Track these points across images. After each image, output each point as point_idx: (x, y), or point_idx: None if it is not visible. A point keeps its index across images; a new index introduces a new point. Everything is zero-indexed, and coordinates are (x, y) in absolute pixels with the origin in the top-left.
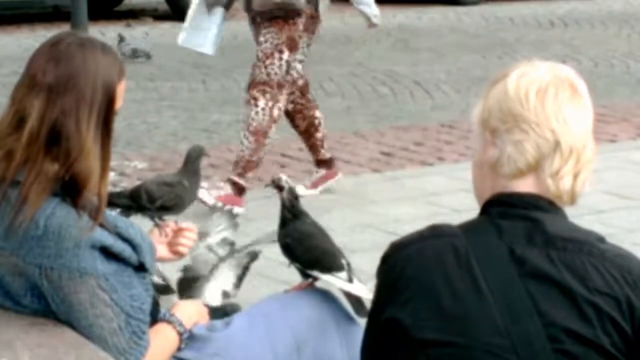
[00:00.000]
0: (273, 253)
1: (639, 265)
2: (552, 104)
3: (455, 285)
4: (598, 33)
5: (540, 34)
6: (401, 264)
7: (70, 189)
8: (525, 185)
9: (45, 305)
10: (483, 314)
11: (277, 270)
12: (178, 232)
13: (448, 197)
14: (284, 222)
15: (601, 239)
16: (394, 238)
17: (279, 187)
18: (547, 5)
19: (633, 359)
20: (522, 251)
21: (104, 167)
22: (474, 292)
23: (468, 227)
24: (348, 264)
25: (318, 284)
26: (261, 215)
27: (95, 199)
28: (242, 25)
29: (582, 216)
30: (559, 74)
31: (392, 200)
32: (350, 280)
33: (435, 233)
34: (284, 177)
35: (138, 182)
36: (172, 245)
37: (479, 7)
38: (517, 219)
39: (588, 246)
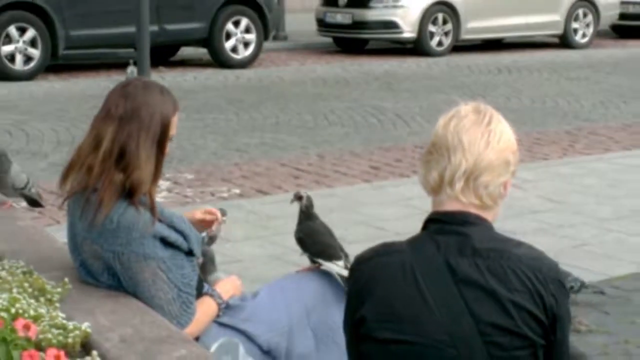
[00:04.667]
0: (289, 243)
1: (548, 265)
2: (451, 131)
3: (404, 294)
4: (534, 78)
5: (491, 78)
6: (363, 277)
7: (129, 193)
8: (455, 204)
9: (117, 282)
10: (428, 316)
11: (291, 256)
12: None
13: (420, 201)
14: (300, 221)
15: (519, 245)
16: (381, 232)
17: (299, 197)
18: (495, 56)
19: (547, 340)
20: (455, 262)
21: (156, 177)
22: (420, 299)
23: (412, 243)
24: (346, 255)
25: (321, 268)
26: (284, 215)
27: (147, 199)
28: (267, 71)
29: (523, 215)
30: (474, 108)
31: (379, 203)
32: (346, 267)
33: (387, 250)
34: (303, 191)
35: (188, 190)
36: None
37: (444, 57)
38: (450, 234)
39: (507, 253)
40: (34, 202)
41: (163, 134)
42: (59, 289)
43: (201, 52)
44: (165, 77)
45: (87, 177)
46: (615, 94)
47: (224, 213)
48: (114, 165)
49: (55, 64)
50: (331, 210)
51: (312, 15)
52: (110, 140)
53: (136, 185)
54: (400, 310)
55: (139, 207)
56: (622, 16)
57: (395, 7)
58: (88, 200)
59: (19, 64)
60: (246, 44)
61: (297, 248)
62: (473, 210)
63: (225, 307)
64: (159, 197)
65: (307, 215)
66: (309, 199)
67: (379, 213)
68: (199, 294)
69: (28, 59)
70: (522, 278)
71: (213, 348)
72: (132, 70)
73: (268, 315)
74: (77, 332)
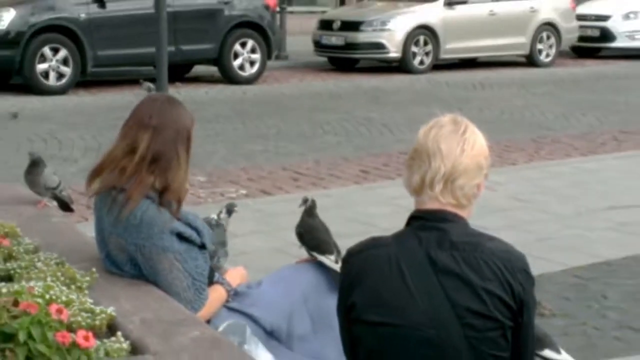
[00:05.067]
0: (289, 237)
1: (516, 257)
2: (431, 139)
3: (390, 283)
4: (504, 92)
5: (466, 93)
6: (354, 268)
7: (161, 194)
8: (434, 204)
9: (139, 271)
10: (411, 302)
11: (291, 249)
12: None
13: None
14: (302, 219)
15: (491, 239)
16: (370, 228)
17: (306, 201)
18: (470, 74)
19: (515, 322)
20: (434, 254)
21: (186, 180)
22: (404, 287)
23: (397, 237)
24: (338, 251)
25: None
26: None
27: (174, 202)
28: (270, 86)
29: (494, 213)
30: (451, 119)
31: (368, 203)
32: (336, 262)
33: (375, 244)
34: (309, 196)
35: (200, 191)
36: None
37: (425, 75)
38: (430, 230)
39: (480, 246)
40: (65, 206)
41: (188, 142)
42: (88, 278)
43: (212, 69)
44: (180, 92)
45: (119, 177)
46: (574, 107)
47: (234, 206)
48: (146, 169)
49: (84, 80)
50: (327, 209)
51: (310, 37)
52: (145, 147)
53: (174, 189)
54: (386, 297)
55: (160, 207)
56: (581, 38)
57: (382, 30)
58: (115, 199)
59: (52, 80)
60: (252, 63)
61: (297, 242)
62: (450, 209)
63: (234, 294)
64: None
65: (309, 214)
66: (313, 201)
67: (369, 211)
68: (211, 282)
69: (60, 75)
70: (493, 268)
71: (221, 328)
72: (148, 85)
73: (270, 301)
74: (103, 315)
